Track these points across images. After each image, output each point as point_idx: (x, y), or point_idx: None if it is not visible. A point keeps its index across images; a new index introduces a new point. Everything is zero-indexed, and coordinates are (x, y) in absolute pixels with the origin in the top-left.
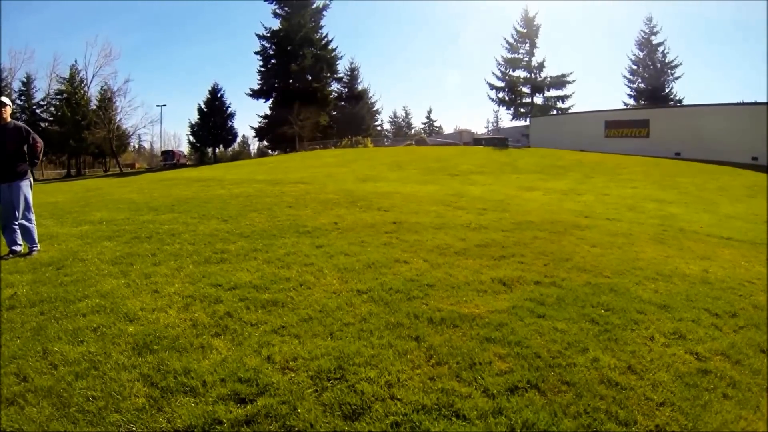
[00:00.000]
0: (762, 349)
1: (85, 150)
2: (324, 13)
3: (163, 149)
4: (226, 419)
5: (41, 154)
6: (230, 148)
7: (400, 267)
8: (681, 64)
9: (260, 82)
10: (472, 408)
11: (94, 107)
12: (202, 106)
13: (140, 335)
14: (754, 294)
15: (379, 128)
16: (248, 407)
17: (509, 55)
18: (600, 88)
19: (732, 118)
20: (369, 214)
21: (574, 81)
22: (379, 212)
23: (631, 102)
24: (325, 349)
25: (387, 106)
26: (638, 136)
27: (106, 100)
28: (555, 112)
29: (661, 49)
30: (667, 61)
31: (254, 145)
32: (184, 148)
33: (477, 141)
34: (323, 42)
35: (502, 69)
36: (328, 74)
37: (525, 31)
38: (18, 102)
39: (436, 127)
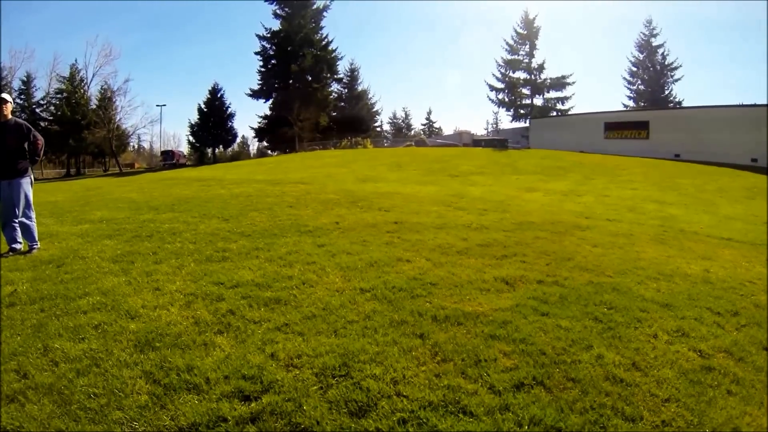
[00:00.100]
0: (765, 347)
1: (84, 149)
2: (324, 13)
3: (162, 149)
4: (230, 416)
5: (42, 152)
6: (230, 149)
7: (402, 266)
8: (681, 66)
9: (260, 82)
10: (479, 404)
11: (94, 107)
12: (202, 106)
13: (142, 332)
14: (755, 294)
15: (378, 129)
16: (253, 404)
17: (509, 57)
18: (600, 89)
19: (731, 119)
20: (370, 214)
21: (573, 83)
22: (380, 212)
23: (631, 104)
24: (330, 346)
25: (387, 107)
26: (638, 138)
27: (106, 100)
28: (555, 113)
29: (660, 51)
30: (666, 63)
31: (254, 146)
32: (184, 148)
33: (477, 142)
34: (323, 43)
35: (502, 70)
36: (328, 75)
37: (525, 32)
38: (18, 101)
39: (436, 128)
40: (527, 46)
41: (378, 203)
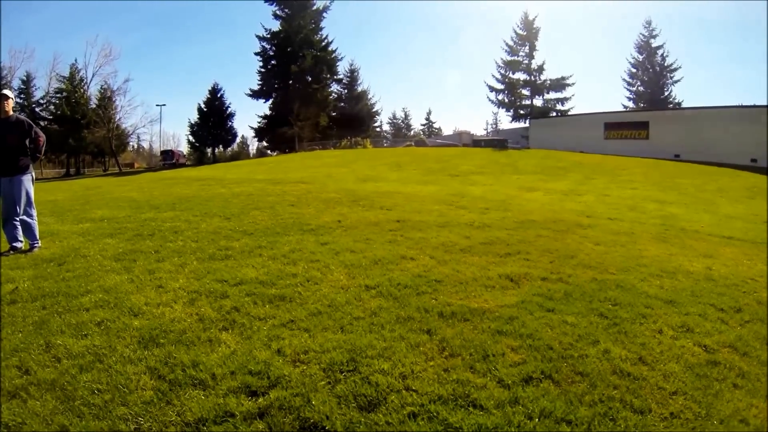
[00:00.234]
0: None
1: (84, 149)
2: (324, 14)
3: (162, 149)
4: (238, 412)
5: (43, 149)
6: (229, 149)
7: (407, 263)
8: (680, 67)
9: (260, 82)
10: (489, 398)
11: (94, 106)
12: (202, 106)
13: (146, 329)
14: (757, 291)
15: (378, 129)
16: (260, 400)
17: (509, 58)
18: (599, 90)
19: (731, 120)
20: (372, 213)
21: (573, 84)
22: (381, 211)
23: (631, 105)
24: (336, 342)
25: (386, 108)
26: (638, 138)
27: (106, 99)
28: (554, 114)
29: (660, 52)
30: (666, 64)
31: (253, 146)
32: (184, 148)
33: (476, 142)
34: (323, 43)
35: (502, 71)
36: (328, 75)
37: (525, 33)
38: (18, 100)
39: (436, 128)
40: (527, 47)
41: (379, 202)
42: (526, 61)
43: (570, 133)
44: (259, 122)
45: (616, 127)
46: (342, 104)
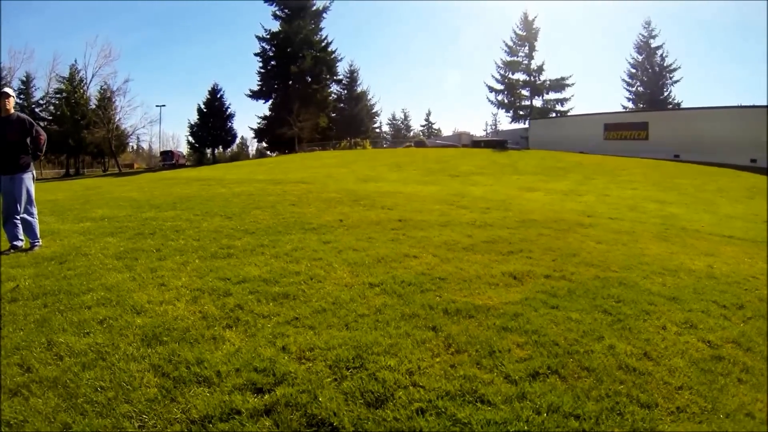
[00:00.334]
0: None
1: (84, 150)
2: (324, 15)
3: (162, 149)
4: (244, 409)
5: (44, 147)
6: (229, 149)
7: (410, 261)
8: (680, 67)
9: (260, 83)
10: (496, 393)
11: (94, 107)
12: (202, 106)
13: (149, 327)
14: (759, 288)
15: (377, 130)
16: (266, 397)
17: (508, 58)
18: (599, 91)
19: (730, 120)
20: (373, 212)
21: (573, 84)
22: (383, 210)
23: (630, 105)
24: (342, 339)
25: (386, 109)
26: (637, 139)
27: (106, 100)
28: (554, 114)
29: (659, 52)
30: (665, 64)
31: (253, 147)
32: (183, 149)
33: (476, 143)
34: (323, 44)
35: (502, 72)
36: (328, 76)
37: (524, 34)
38: (17, 101)
39: (435, 129)
40: (526, 48)
41: (380, 202)
42: (526, 62)
43: (570, 133)
44: (259, 123)
45: (615, 127)
46: (341, 105)
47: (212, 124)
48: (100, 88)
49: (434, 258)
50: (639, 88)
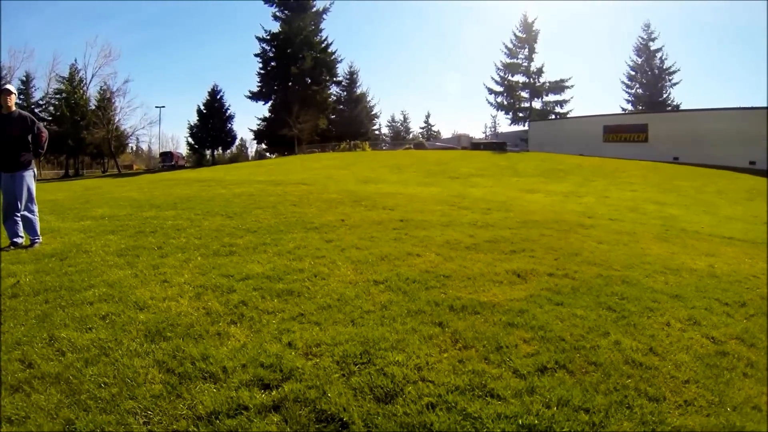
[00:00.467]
0: None
1: (83, 150)
2: (324, 16)
3: (161, 151)
4: (251, 405)
5: (46, 145)
6: (228, 151)
7: (413, 260)
8: (679, 70)
9: (260, 84)
10: (506, 387)
11: (93, 107)
12: (202, 107)
13: (152, 323)
14: (760, 287)
15: (377, 132)
16: (274, 392)
17: (508, 60)
18: (598, 93)
19: (730, 122)
20: (375, 213)
21: (572, 86)
22: (384, 211)
23: (629, 108)
24: (348, 335)
25: (385, 111)
26: (637, 141)
27: (105, 101)
28: (553, 116)
29: (659, 55)
30: (665, 67)
31: (252, 148)
32: (183, 150)
33: (475, 145)
34: (323, 45)
35: (501, 74)
36: (328, 77)
37: (524, 36)
38: (17, 101)
39: (434, 131)
40: (526, 50)
41: (382, 202)
42: (526, 64)
43: (569, 135)
44: (259, 124)
45: (615, 129)
46: (341, 107)
47: (212, 125)
48: (100, 89)
49: (437, 256)
50: (638, 90)
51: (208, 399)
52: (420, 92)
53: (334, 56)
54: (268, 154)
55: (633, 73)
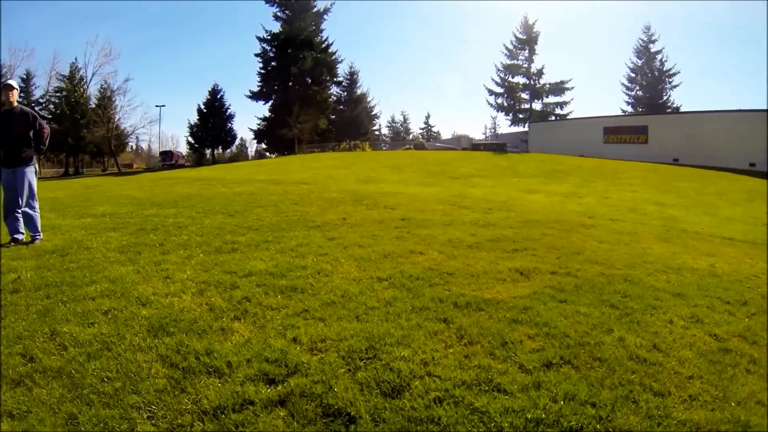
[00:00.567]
0: None
1: (83, 149)
2: (325, 16)
3: (161, 150)
4: (257, 399)
5: (47, 141)
6: (228, 150)
7: (416, 257)
8: (679, 72)
9: (260, 84)
10: (512, 382)
11: (94, 106)
12: (202, 107)
13: (155, 318)
14: (760, 286)
15: (377, 132)
16: (279, 387)
17: (509, 62)
18: (598, 94)
19: (729, 124)
20: (376, 212)
21: (572, 88)
22: (385, 210)
23: (629, 109)
24: (353, 330)
25: (385, 111)
26: (637, 142)
27: (106, 99)
28: (553, 118)
29: (659, 57)
30: (665, 69)
31: (252, 148)
32: (183, 149)
33: (475, 146)
34: (323, 45)
35: (502, 75)
36: (328, 78)
37: (524, 37)
38: (17, 100)
39: (435, 132)
40: (527, 51)
41: (383, 202)
42: (526, 65)
43: (569, 136)
44: (259, 124)
45: (615, 131)
46: (341, 107)
47: (212, 124)
48: (100, 87)
49: (440, 255)
50: (638, 92)
51: (213, 393)
52: (420, 93)
53: (334, 56)
54: (268, 153)
55: (633, 74)
